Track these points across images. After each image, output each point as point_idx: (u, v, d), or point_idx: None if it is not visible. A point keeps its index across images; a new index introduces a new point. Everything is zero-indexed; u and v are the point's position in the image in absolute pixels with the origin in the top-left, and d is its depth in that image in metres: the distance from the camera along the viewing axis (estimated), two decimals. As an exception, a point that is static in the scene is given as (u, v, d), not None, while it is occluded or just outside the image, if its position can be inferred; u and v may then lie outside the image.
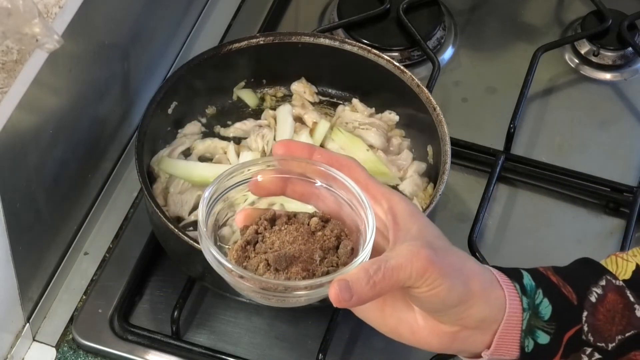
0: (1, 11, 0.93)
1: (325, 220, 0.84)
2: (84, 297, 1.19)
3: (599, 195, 1.29)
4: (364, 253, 0.79)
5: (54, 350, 1.16)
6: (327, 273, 0.80)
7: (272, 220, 0.84)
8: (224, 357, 1.14)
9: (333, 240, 0.82)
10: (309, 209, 0.86)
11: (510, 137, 1.31)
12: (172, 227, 1.08)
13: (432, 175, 1.21)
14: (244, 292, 0.80)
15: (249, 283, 0.79)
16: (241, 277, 0.79)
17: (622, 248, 1.21)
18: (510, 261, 1.23)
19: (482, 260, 1.18)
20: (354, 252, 0.82)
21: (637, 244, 1.25)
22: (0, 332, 1.11)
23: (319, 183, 0.84)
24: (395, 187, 1.20)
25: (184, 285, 1.17)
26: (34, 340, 1.16)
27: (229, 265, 0.79)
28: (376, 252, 0.80)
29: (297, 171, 0.84)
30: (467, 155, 1.31)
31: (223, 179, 0.83)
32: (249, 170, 0.84)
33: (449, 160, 1.14)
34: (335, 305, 0.76)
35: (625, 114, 1.38)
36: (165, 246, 1.18)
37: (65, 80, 1.08)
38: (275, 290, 0.78)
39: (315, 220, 0.83)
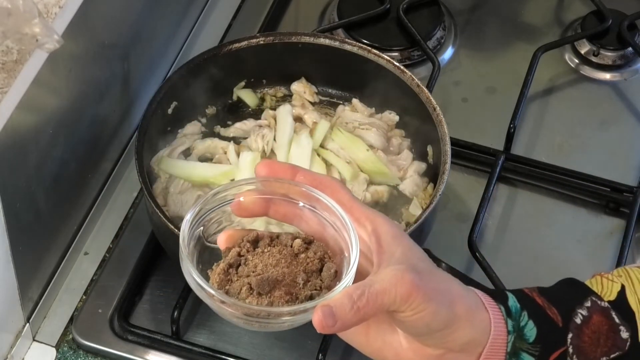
0: (1, 11, 0.93)
1: (308, 242, 0.83)
2: (84, 297, 1.19)
3: (599, 195, 1.29)
4: (348, 277, 0.79)
5: (54, 350, 1.16)
6: (311, 297, 0.79)
7: (255, 241, 0.83)
8: (224, 357, 1.14)
9: (316, 263, 0.82)
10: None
11: (510, 137, 1.31)
12: (172, 227, 1.08)
13: (432, 175, 1.21)
14: (226, 317, 0.79)
15: (231, 309, 0.78)
16: (223, 302, 0.78)
17: (622, 248, 1.21)
18: (510, 261, 1.23)
19: (482, 260, 1.18)
20: (337, 275, 0.81)
21: (637, 244, 1.25)
22: (0, 332, 1.11)
23: (302, 204, 0.84)
24: (395, 187, 1.20)
25: (184, 285, 1.16)
26: (34, 340, 1.16)
27: (211, 291, 0.78)
28: (360, 274, 0.80)
29: (280, 192, 0.84)
30: (467, 155, 1.31)
31: (205, 201, 0.83)
32: (231, 191, 0.84)
33: (449, 160, 1.14)
34: (319, 331, 0.76)
35: (625, 114, 1.38)
36: (165, 246, 1.18)
37: (65, 80, 1.08)
38: (258, 316, 0.78)
39: (298, 242, 0.83)
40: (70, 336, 1.17)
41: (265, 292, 0.79)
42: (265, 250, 0.82)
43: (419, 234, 1.12)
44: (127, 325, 1.16)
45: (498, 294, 0.84)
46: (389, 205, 1.19)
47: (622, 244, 1.22)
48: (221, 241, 0.83)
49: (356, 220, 0.82)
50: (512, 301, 0.83)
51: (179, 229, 1.08)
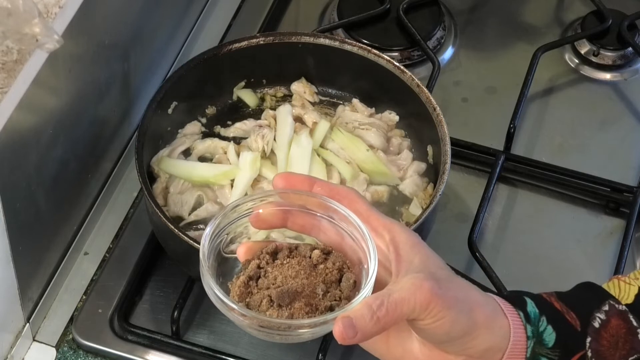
0: (1, 11, 0.93)
1: (326, 253, 0.84)
2: (84, 297, 1.19)
3: (599, 195, 1.29)
4: (367, 288, 0.79)
5: (54, 350, 1.16)
6: (331, 307, 0.80)
7: (274, 253, 0.83)
8: (224, 357, 1.14)
9: (335, 274, 0.82)
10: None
11: (510, 137, 1.31)
12: (172, 227, 1.08)
13: (432, 175, 1.21)
14: (247, 329, 0.80)
15: (253, 322, 0.79)
16: (244, 315, 0.79)
17: (622, 248, 1.21)
18: (510, 261, 1.23)
19: (482, 260, 1.18)
20: (356, 285, 0.82)
21: (637, 244, 1.26)
22: (0, 332, 1.11)
23: (319, 215, 0.84)
24: (395, 187, 1.20)
25: (184, 285, 1.17)
26: (34, 340, 1.16)
27: (232, 305, 0.79)
28: (379, 284, 0.80)
29: (298, 203, 0.84)
30: (467, 155, 1.31)
31: (224, 214, 0.83)
32: (249, 204, 0.84)
33: (449, 160, 1.14)
34: (339, 342, 0.76)
35: (625, 114, 1.38)
36: (165, 246, 1.18)
37: (65, 80, 1.08)
38: (278, 328, 0.78)
39: (317, 252, 0.83)
40: (70, 336, 1.17)
41: (286, 304, 0.79)
42: (285, 261, 0.83)
43: (419, 234, 1.11)
44: (127, 325, 1.16)
45: (516, 299, 0.84)
46: (389, 205, 1.19)
47: (622, 244, 1.22)
48: (240, 253, 0.84)
49: (374, 229, 0.82)
50: (531, 307, 0.83)
51: (179, 229, 1.09)
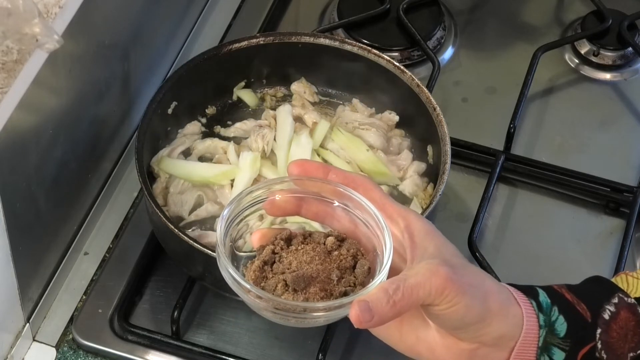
0: (1, 11, 0.93)
1: (341, 240, 0.84)
2: (84, 297, 1.19)
3: (599, 195, 1.29)
4: (383, 273, 0.79)
5: (54, 350, 1.16)
6: (345, 293, 0.80)
7: (288, 239, 0.84)
8: (224, 357, 1.14)
9: (350, 260, 0.82)
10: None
11: (510, 137, 1.31)
12: (172, 227, 1.08)
13: (432, 175, 1.21)
14: (262, 312, 0.80)
15: (268, 303, 0.79)
16: (259, 297, 0.79)
17: (622, 248, 1.21)
18: (510, 261, 1.23)
19: (482, 260, 1.19)
20: (370, 272, 0.82)
21: (637, 244, 1.26)
22: (0, 332, 1.11)
23: (334, 202, 0.85)
24: (395, 187, 1.20)
25: (184, 285, 1.17)
26: (34, 340, 1.16)
27: (247, 286, 0.79)
28: (393, 271, 0.80)
29: (312, 191, 0.85)
30: (467, 155, 1.31)
31: (240, 199, 0.83)
32: (264, 190, 0.84)
33: (449, 160, 1.14)
34: (356, 326, 0.77)
35: (625, 114, 1.38)
36: (165, 246, 1.18)
37: (65, 80, 1.08)
38: (294, 311, 0.79)
39: (331, 239, 0.83)
40: (70, 336, 1.17)
41: (301, 289, 0.80)
42: (299, 247, 0.83)
43: (419, 234, 1.12)
44: (127, 325, 1.16)
45: (529, 289, 0.84)
46: (389, 205, 1.19)
47: (622, 244, 1.22)
48: (255, 239, 0.84)
49: (389, 217, 0.83)
50: (543, 297, 0.84)
51: (179, 229, 1.09)
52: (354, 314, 0.76)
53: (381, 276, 0.79)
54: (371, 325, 0.77)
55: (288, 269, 0.81)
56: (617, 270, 1.19)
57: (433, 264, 0.79)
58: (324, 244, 0.83)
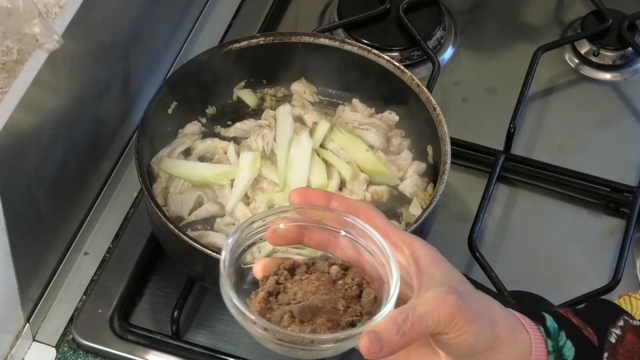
0: (1, 11, 0.93)
1: (345, 268, 0.83)
2: (84, 297, 1.19)
3: (599, 195, 1.29)
4: (391, 303, 0.79)
5: (54, 350, 1.16)
6: (352, 323, 0.79)
7: (292, 269, 0.83)
8: (224, 357, 1.14)
9: (355, 289, 0.82)
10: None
11: (510, 137, 1.31)
12: (172, 227, 1.08)
13: (432, 175, 1.21)
14: (269, 344, 0.79)
15: (274, 335, 0.78)
16: (265, 329, 0.78)
17: (622, 248, 1.21)
18: (510, 261, 1.23)
19: (482, 260, 1.18)
20: (377, 301, 0.81)
21: (637, 244, 1.25)
22: (0, 332, 1.11)
23: (337, 231, 0.84)
24: (395, 187, 1.20)
25: (184, 285, 1.17)
26: (34, 340, 1.16)
27: (253, 318, 0.78)
28: (400, 299, 0.80)
29: (314, 219, 0.84)
30: (467, 155, 1.31)
31: (241, 229, 0.82)
32: (266, 219, 0.84)
33: (449, 160, 1.14)
34: (365, 356, 0.76)
35: (625, 114, 1.38)
36: (165, 246, 1.18)
37: (65, 80, 1.08)
38: (301, 343, 0.78)
39: (335, 268, 0.82)
40: (70, 336, 1.17)
41: (307, 320, 0.79)
42: (303, 277, 0.82)
43: (419, 234, 1.12)
44: (127, 325, 1.16)
45: (535, 315, 0.84)
46: (389, 205, 1.19)
47: (622, 244, 1.22)
48: (257, 270, 0.83)
49: (393, 244, 0.82)
50: (550, 322, 0.84)
51: (179, 229, 1.09)
52: (364, 345, 0.76)
53: (389, 306, 0.78)
54: (381, 356, 0.76)
55: (293, 299, 0.80)
56: (616, 271, 1.19)
57: (441, 292, 0.78)
58: (329, 272, 0.82)
